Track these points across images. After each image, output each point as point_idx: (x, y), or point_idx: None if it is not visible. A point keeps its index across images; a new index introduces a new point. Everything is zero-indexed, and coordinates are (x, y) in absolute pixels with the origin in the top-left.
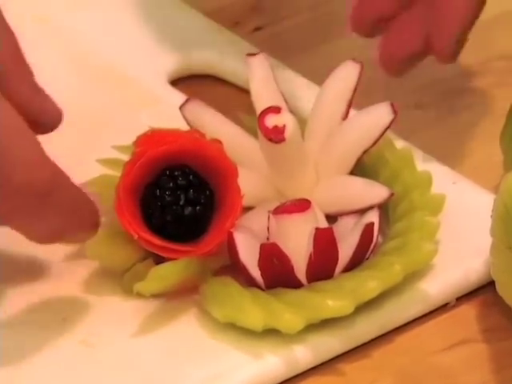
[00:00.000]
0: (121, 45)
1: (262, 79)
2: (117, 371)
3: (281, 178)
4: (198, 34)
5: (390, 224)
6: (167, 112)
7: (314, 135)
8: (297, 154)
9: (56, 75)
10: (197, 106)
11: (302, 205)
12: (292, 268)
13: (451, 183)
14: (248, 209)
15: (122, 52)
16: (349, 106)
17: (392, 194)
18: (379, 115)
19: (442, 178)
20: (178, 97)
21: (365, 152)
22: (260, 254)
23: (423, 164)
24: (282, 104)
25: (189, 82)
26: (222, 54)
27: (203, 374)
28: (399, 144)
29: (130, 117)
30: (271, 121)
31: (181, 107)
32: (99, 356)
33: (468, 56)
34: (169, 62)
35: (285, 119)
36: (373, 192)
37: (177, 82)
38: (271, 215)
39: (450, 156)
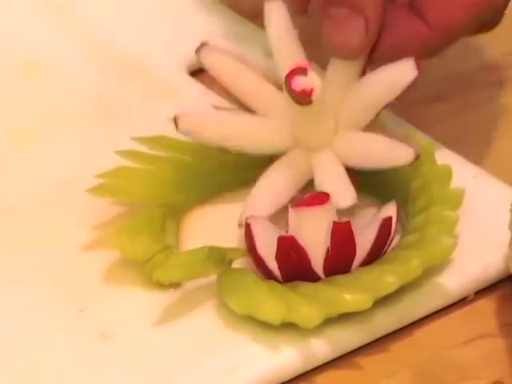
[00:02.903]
0: (141, 36)
1: (281, 25)
2: (134, 362)
3: (300, 127)
4: (219, 24)
5: (409, 218)
6: (187, 103)
7: (333, 86)
8: (317, 104)
9: (75, 66)
10: (214, 51)
11: (321, 198)
12: (309, 261)
13: (471, 177)
14: (267, 161)
15: (141, 43)
16: (365, 62)
17: (418, 157)
18: (402, 71)
19: (462, 172)
20: (197, 88)
21: (385, 107)
22: (277, 246)
23: (443, 157)
24: (301, 52)
25: (207, 73)
26: (242, 45)
27: (220, 366)
28: (419, 137)
29: (149, 108)
30: (299, 82)
31: (197, 51)
32: (116, 347)
33: (490, 49)
34: (188, 53)
35: (312, 81)
36: (398, 153)
37: (196, 72)
38: (290, 208)
39: (471, 150)
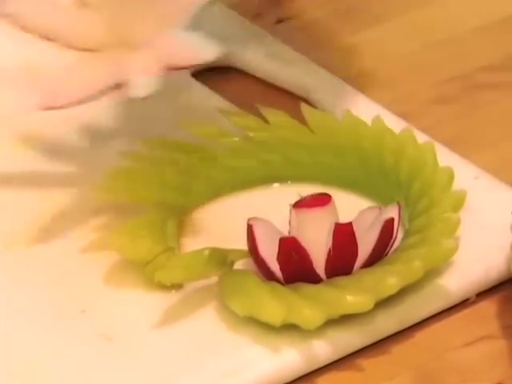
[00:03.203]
0: None
1: None
2: (136, 364)
3: (119, 22)
4: (220, 25)
5: (410, 220)
6: (189, 104)
7: None
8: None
9: None
10: None
11: (323, 199)
12: (311, 262)
13: (473, 178)
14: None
15: None
16: None
17: (218, 54)
18: None
19: (464, 173)
20: (199, 89)
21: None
22: (279, 248)
23: (445, 158)
24: None
25: (210, 74)
26: (244, 46)
27: (222, 368)
28: (421, 138)
29: (151, 109)
30: None
31: None
32: (118, 348)
33: (491, 50)
34: None
35: None
36: (204, 49)
37: (198, 74)
38: (292, 209)
39: (472, 151)
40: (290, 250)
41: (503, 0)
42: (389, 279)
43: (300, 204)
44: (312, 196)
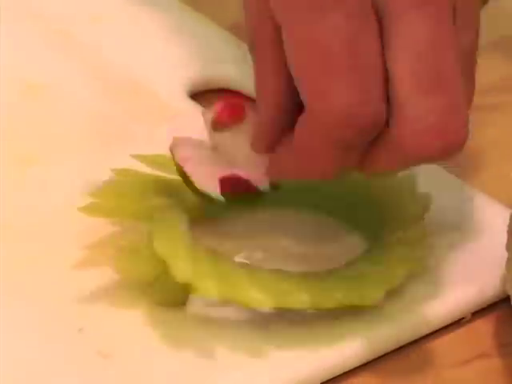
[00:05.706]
0: (140, 58)
1: None
2: (133, 382)
3: None
4: (218, 48)
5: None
6: (186, 125)
7: None
8: None
9: (76, 87)
10: None
11: (237, 111)
12: (254, 188)
13: (469, 198)
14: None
15: (141, 65)
16: None
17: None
18: None
19: (460, 193)
20: (196, 110)
21: None
22: (221, 187)
23: (440, 179)
24: None
25: (207, 96)
26: (241, 69)
27: None
28: None
29: (148, 130)
30: None
31: None
32: (116, 367)
33: (487, 72)
34: (188, 76)
35: None
36: None
37: (196, 95)
38: (211, 131)
39: (467, 170)
40: (232, 186)
41: (499, 22)
42: (397, 270)
43: (217, 122)
44: (222, 107)
